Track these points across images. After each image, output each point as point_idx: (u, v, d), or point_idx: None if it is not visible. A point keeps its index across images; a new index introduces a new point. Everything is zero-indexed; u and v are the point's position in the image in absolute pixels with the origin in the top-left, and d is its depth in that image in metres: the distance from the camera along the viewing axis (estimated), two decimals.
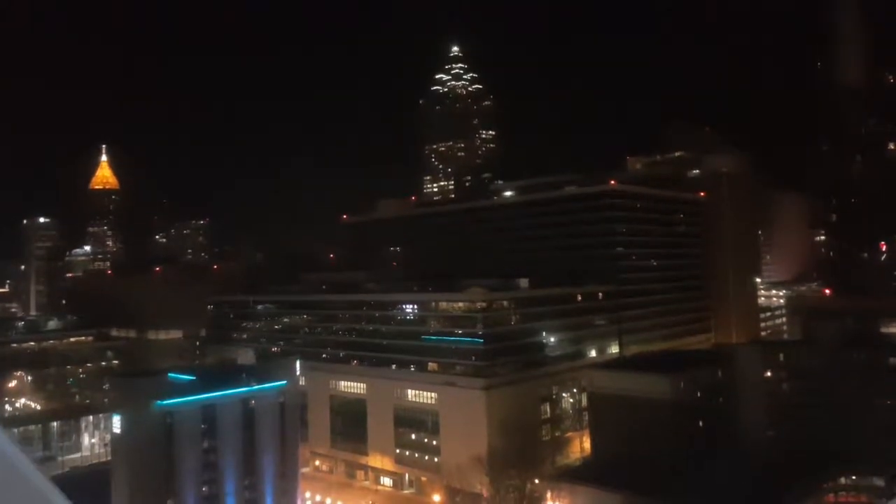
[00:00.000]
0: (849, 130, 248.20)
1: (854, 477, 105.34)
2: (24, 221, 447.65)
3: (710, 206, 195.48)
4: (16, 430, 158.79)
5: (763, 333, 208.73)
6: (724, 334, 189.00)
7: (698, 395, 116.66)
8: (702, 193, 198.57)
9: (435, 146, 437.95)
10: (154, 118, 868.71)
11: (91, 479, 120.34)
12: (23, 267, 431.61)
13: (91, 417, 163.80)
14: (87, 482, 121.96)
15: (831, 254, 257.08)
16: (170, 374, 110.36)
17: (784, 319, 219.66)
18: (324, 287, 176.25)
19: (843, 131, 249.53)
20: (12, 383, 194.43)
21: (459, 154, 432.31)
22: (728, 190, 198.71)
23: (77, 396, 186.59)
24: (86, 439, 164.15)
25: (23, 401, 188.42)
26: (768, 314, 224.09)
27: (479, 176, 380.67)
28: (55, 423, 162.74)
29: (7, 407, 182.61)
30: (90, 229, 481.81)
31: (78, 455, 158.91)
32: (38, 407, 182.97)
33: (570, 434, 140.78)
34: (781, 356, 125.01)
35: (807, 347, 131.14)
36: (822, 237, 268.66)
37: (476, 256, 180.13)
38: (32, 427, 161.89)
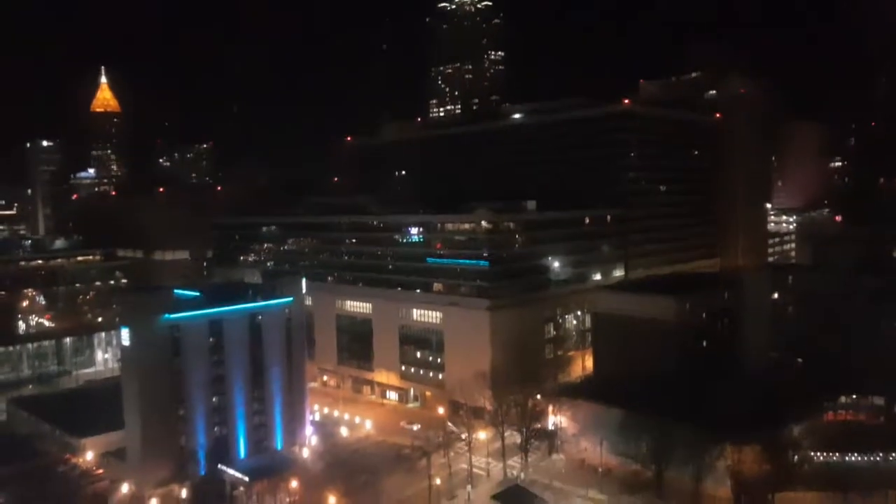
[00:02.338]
0: (873, 52, 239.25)
1: (854, 396, 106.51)
2: (28, 145, 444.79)
3: (724, 129, 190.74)
4: (31, 346, 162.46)
5: (770, 259, 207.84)
6: (731, 259, 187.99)
7: (703, 317, 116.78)
8: (717, 115, 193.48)
9: (442, 68, 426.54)
10: (154, 40, 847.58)
11: (105, 391, 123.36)
12: (29, 191, 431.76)
13: (103, 334, 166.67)
14: (101, 394, 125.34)
15: (846, 180, 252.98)
16: (175, 291, 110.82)
17: (793, 246, 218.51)
18: (328, 210, 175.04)
19: (867, 53, 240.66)
20: (25, 302, 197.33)
21: (467, 76, 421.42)
22: (743, 112, 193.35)
23: (89, 315, 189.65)
24: (99, 355, 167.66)
25: (36, 319, 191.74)
26: (777, 240, 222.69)
27: (487, 99, 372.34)
28: (68, 340, 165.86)
29: (21, 324, 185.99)
30: (94, 153, 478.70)
31: (92, 370, 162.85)
32: (52, 325, 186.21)
33: (572, 354, 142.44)
34: (790, 279, 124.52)
35: (816, 272, 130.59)
36: (837, 164, 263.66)
37: (483, 179, 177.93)
38: (46, 343, 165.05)
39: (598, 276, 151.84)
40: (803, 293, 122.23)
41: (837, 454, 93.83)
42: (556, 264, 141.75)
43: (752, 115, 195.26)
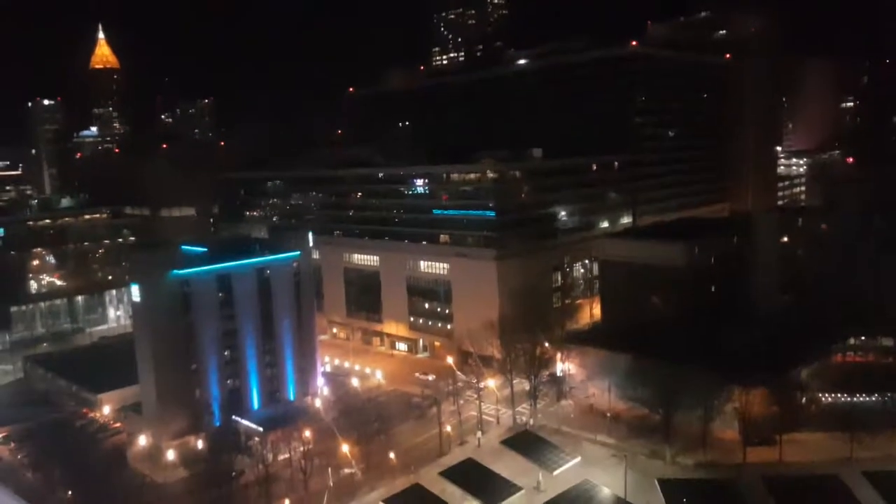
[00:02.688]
0: None
1: (864, 338, 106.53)
2: (29, 104, 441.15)
3: (733, 70, 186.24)
4: (43, 305, 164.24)
5: (780, 203, 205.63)
6: (740, 203, 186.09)
7: (712, 261, 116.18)
8: (726, 56, 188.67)
9: (444, 14, 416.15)
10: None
11: (119, 347, 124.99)
12: (33, 151, 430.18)
13: (114, 291, 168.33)
14: (115, 351, 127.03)
15: (858, 120, 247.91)
16: (183, 247, 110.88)
17: (803, 189, 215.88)
18: (333, 163, 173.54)
19: None
20: (35, 262, 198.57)
21: (470, 22, 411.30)
22: (754, 53, 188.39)
23: (99, 273, 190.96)
24: (111, 312, 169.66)
25: (47, 278, 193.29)
26: (786, 183, 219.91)
27: (491, 45, 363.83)
28: (80, 298, 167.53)
29: (33, 284, 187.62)
30: (95, 111, 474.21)
31: (105, 327, 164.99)
32: (63, 284, 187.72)
33: (580, 302, 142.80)
34: (800, 222, 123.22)
35: (826, 214, 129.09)
36: (850, 104, 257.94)
37: (489, 128, 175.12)
38: (59, 302, 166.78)
39: (605, 224, 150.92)
40: (813, 236, 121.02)
41: (845, 395, 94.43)
42: (564, 212, 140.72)
43: (762, 56, 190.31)
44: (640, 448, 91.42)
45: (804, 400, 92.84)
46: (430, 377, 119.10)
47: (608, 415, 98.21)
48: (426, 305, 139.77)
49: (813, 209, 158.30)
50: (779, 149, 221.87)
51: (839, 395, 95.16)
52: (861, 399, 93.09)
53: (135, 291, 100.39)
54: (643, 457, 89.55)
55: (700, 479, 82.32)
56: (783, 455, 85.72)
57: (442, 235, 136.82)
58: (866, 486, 75.63)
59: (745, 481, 79.14)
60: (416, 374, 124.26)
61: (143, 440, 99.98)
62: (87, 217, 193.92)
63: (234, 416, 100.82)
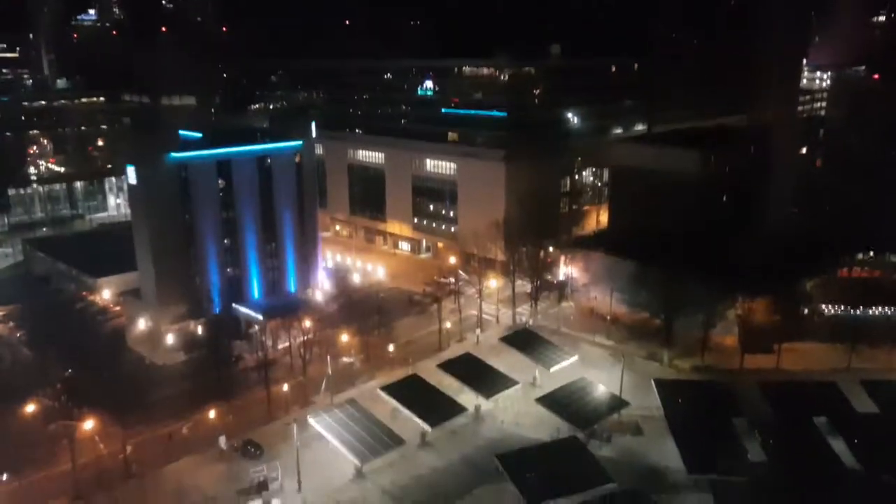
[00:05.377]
0: None
1: (872, 253, 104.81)
2: None
3: None
4: (42, 189, 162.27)
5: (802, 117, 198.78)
6: (760, 114, 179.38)
7: (727, 171, 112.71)
8: None
9: None
10: None
11: (118, 234, 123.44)
12: (31, 35, 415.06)
13: (114, 179, 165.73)
14: (114, 238, 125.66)
15: (888, 35, 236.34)
16: (181, 132, 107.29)
17: (824, 105, 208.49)
18: (340, 54, 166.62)
19: None
20: (33, 147, 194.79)
21: None
22: None
23: (99, 162, 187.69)
24: (111, 200, 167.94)
25: (45, 164, 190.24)
26: (807, 97, 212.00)
27: None
28: (79, 184, 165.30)
29: (31, 169, 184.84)
30: None
31: (105, 214, 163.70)
32: (61, 169, 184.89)
33: (587, 208, 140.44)
34: (821, 134, 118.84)
35: (847, 127, 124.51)
36: (882, 17, 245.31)
37: (502, 22, 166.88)
38: (58, 187, 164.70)
39: (619, 130, 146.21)
40: (833, 148, 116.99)
41: (849, 308, 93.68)
42: (577, 116, 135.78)
43: None
44: (638, 351, 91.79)
45: (806, 311, 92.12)
46: (451, 280, 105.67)
47: (608, 318, 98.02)
48: (431, 206, 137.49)
49: (834, 121, 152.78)
50: (804, 61, 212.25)
51: (842, 307, 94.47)
52: (864, 312, 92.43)
53: (131, 173, 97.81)
54: (640, 359, 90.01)
55: (696, 381, 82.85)
56: (782, 363, 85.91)
57: (450, 134, 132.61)
58: (863, 394, 75.85)
59: (741, 386, 79.44)
60: (435, 278, 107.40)
61: (142, 324, 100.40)
62: (83, 101, 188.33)
63: (233, 304, 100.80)
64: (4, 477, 66.21)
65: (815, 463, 64.36)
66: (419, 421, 74.38)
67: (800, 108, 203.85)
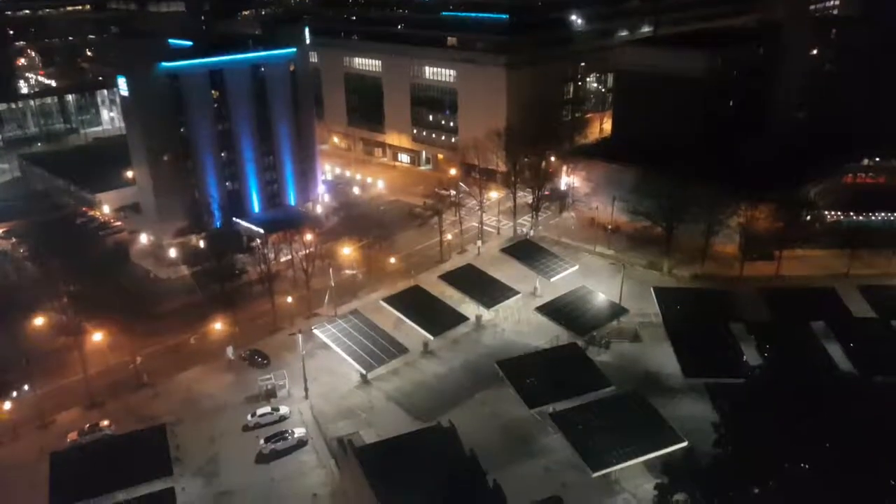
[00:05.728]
0: None
1: (878, 159, 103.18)
2: None
3: None
4: (34, 103, 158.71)
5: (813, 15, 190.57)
6: (771, 13, 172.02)
7: (734, 73, 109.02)
8: None
9: None
10: None
11: (115, 149, 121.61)
12: None
13: (106, 92, 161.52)
14: (111, 152, 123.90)
15: None
16: (170, 41, 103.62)
17: (837, 3, 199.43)
18: None
19: None
20: (21, 60, 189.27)
21: None
22: None
23: (90, 73, 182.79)
24: (105, 114, 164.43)
25: (35, 78, 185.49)
26: None
27: None
28: (71, 98, 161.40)
29: (21, 83, 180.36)
30: None
31: (99, 128, 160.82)
32: (52, 83, 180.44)
33: (590, 116, 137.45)
34: (833, 33, 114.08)
35: (861, 25, 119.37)
36: None
37: None
38: (49, 101, 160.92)
39: (624, 32, 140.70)
40: (845, 48, 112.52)
41: (851, 214, 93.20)
42: (581, 18, 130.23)
43: None
44: (639, 260, 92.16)
45: (808, 217, 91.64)
46: (451, 192, 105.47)
47: (609, 228, 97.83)
48: (430, 116, 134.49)
49: (847, 19, 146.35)
50: None
51: (844, 213, 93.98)
52: (865, 218, 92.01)
53: (122, 84, 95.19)
54: (640, 268, 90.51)
55: (695, 288, 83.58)
56: (782, 270, 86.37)
57: (449, 38, 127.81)
58: (860, 299, 76.57)
59: (740, 292, 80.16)
60: (436, 190, 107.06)
61: (144, 238, 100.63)
62: (69, 9, 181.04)
63: (234, 219, 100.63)
64: (26, 387, 68.22)
65: (810, 365, 65.63)
66: (421, 330, 75.67)
67: (812, 6, 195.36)
